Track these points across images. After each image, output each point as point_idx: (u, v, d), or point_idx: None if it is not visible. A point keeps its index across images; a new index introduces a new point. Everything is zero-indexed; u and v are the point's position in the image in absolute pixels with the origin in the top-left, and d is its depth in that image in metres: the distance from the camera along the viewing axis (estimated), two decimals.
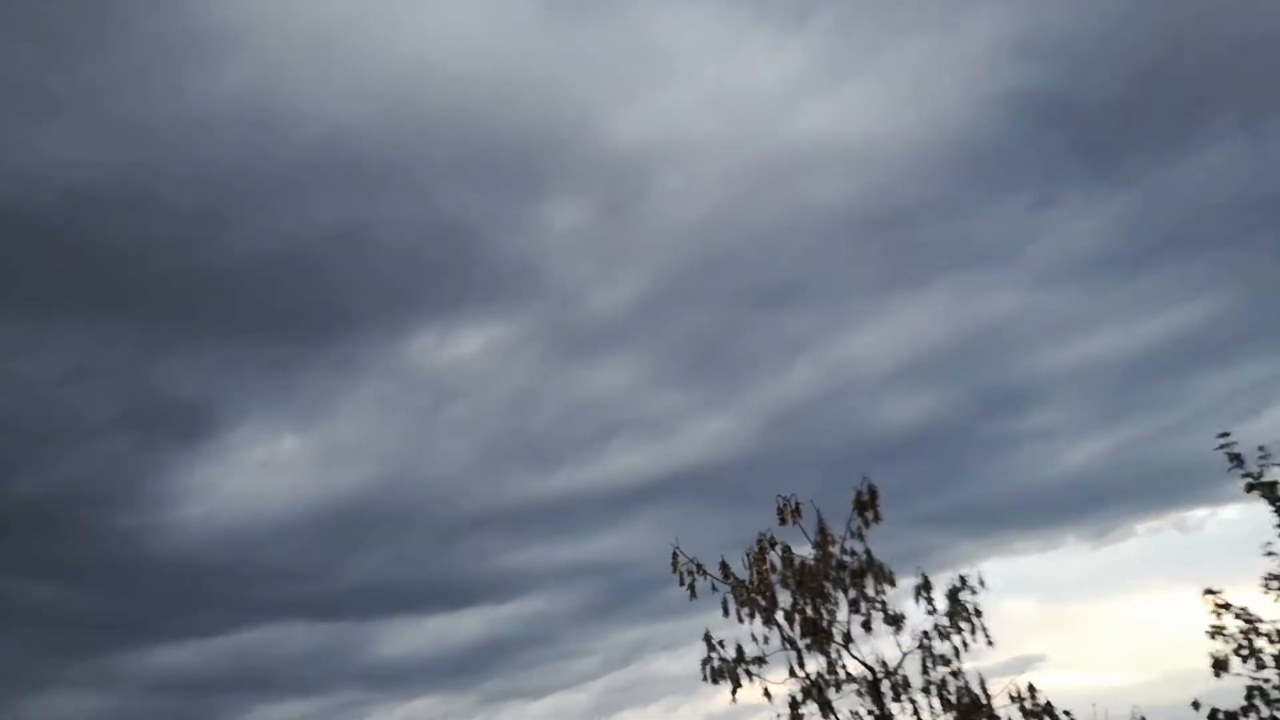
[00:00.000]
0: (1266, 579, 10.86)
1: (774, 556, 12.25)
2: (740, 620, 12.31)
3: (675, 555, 12.48)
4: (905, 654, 11.87)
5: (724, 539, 12.60)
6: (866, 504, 11.96)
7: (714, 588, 12.40)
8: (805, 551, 12.17)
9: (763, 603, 12.21)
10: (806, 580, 12.07)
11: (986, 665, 11.88)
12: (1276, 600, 10.80)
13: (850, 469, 12.19)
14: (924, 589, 11.97)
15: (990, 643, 11.82)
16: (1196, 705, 10.67)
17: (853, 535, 12.06)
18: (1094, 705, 11.56)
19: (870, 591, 11.99)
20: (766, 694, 12.15)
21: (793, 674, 12.09)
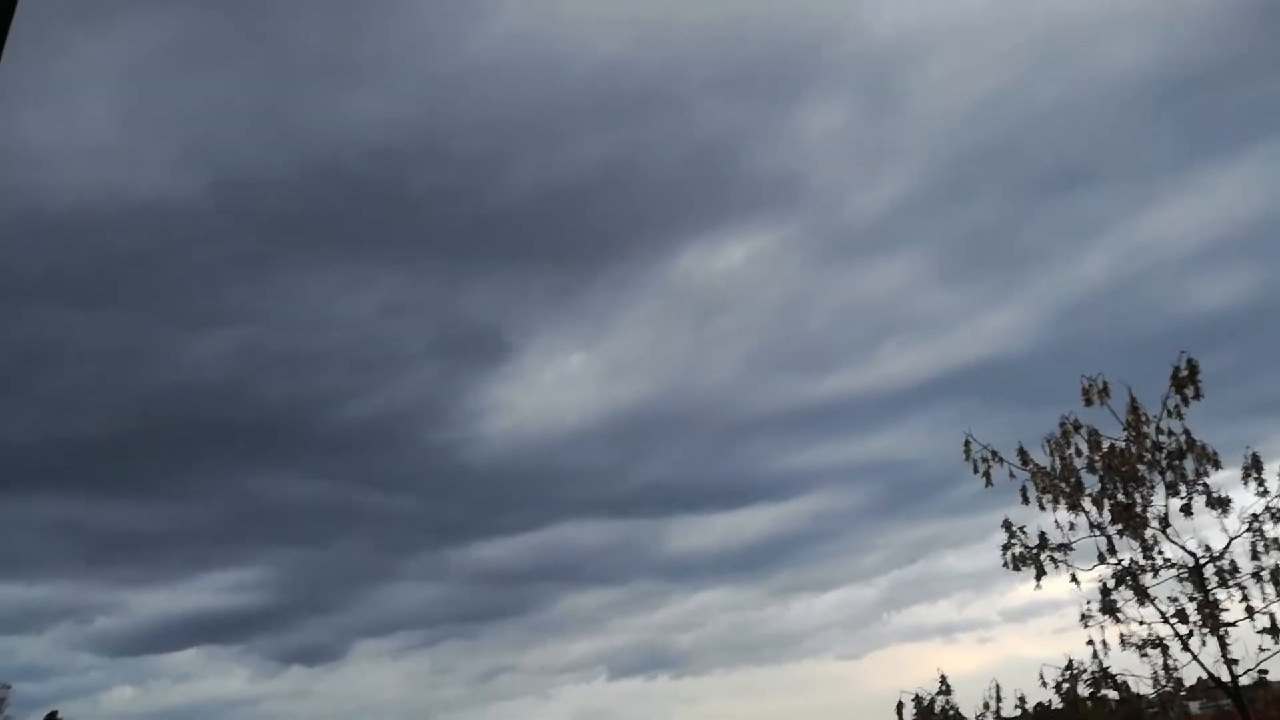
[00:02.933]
0: None
1: (1079, 440, 11.53)
2: (1041, 508, 11.74)
3: (967, 443, 11.95)
4: (1232, 538, 11.05)
5: (1010, 438, 11.94)
6: (1185, 380, 10.99)
7: (1011, 474, 11.84)
8: (1115, 435, 11.39)
9: (1067, 489, 11.57)
10: (1117, 464, 11.32)
11: None
12: None
13: (1153, 359, 11.18)
14: (1253, 470, 10.99)
15: None
16: None
17: (1169, 414, 11.17)
18: None
19: (1190, 474, 11.14)
20: (1074, 579, 11.64)
21: (1103, 560, 11.51)
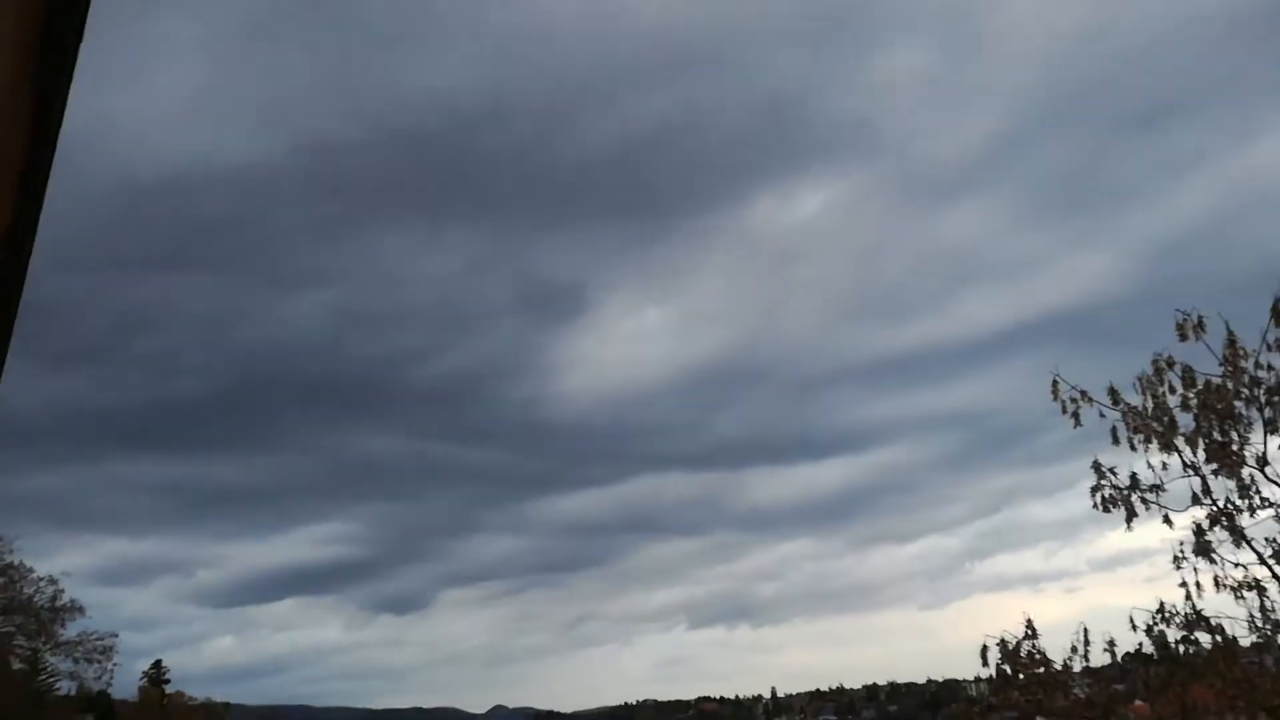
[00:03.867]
0: None
1: (1173, 378, 11.20)
2: (1133, 448, 11.45)
3: (1055, 383, 11.69)
4: None
5: (1099, 384, 11.60)
6: None
7: (1101, 415, 11.56)
8: (1211, 371, 11.03)
9: (1160, 428, 11.27)
10: (1213, 401, 10.97)
11: None
12: None
13: (1254, 297, 10.76)
14: None
15: None
16: None
17: (1270, 349, 10.77)
18: None
19: None
20: (1167, 521, 11.35)
21: (1197, 502, 11.20)
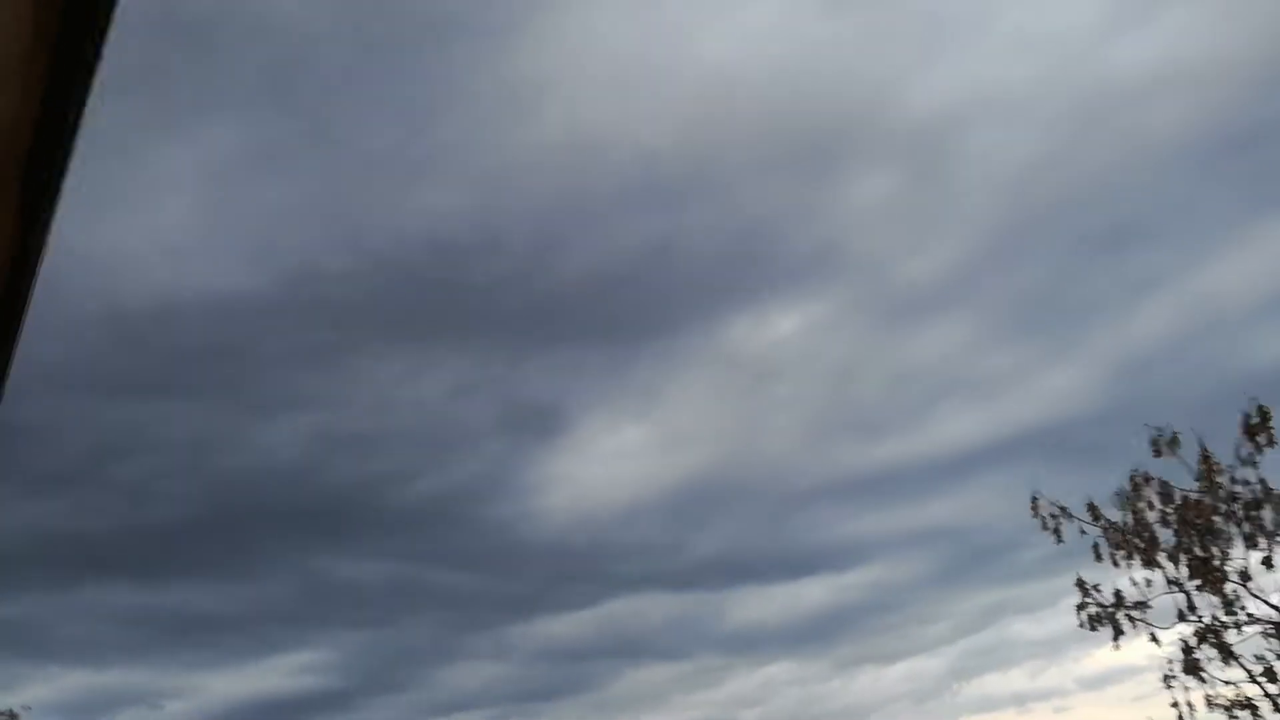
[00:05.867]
0: None
1: (1150, 494, 11.26)
2: (1115, 565, 11.43)
3: (1035, 500, 11.72)
4: None
5: (1075, 499, 11.72)
6: (1258, 427, 10.71)
7: (1082, 531, 11.56)
8: (1187, 487, 11.10)
9: (1141, 544, 11.27)
10: (1191, 516, 11.01)
11: None
12: None
13: (1220, 414, 10.95)
14: None
15: None
16: None
17: (1243, 463, 10.87)
18: None
19: (1269, 525, 10.79)
20: (1154, 639, 11.25)
21: (1183, 618, 11.13)
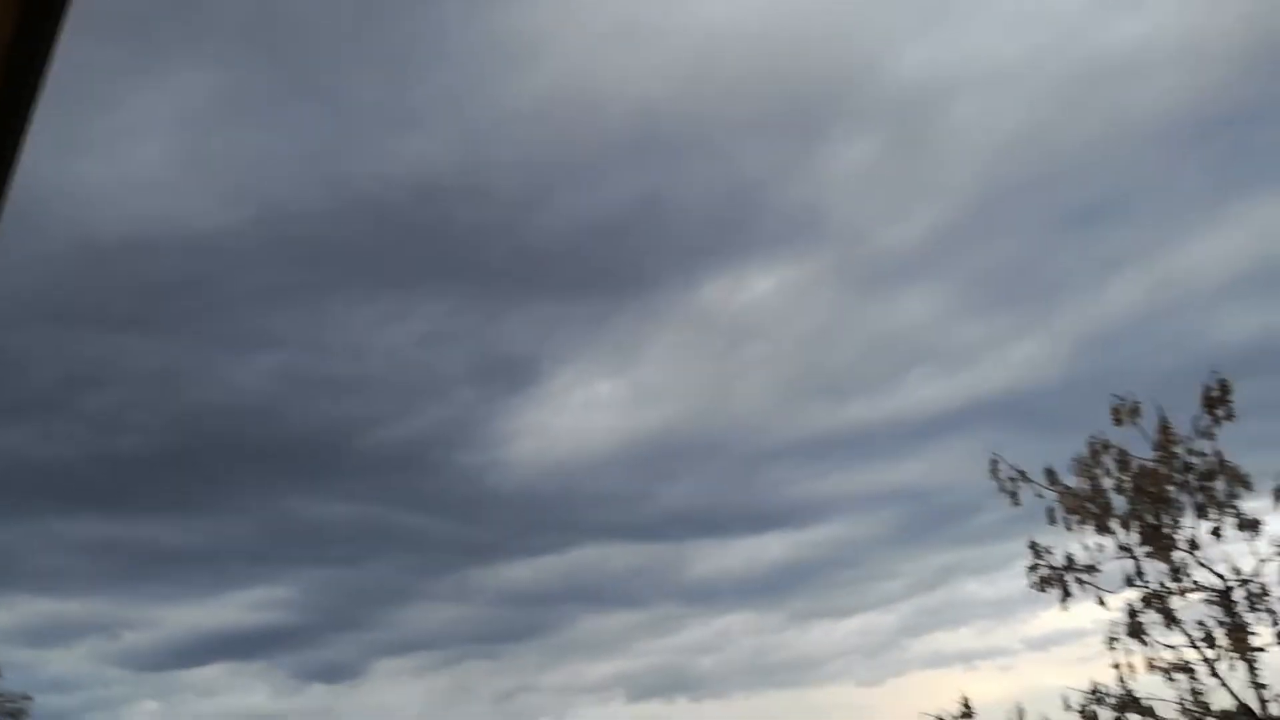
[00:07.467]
0: None
1: (1108, 461, 11.47)
2: (1069, 529, 11.66)
3: (995, 464, 11.91)
4: (1262, 561, 10.91)
5: (1035, 466, 11.91)
6: (1217, 400, 10.93)
7: (1039, 495, 11.77)
8: (1145, 456, 11.32)
9: (1095, 509, 11.50)
10: (1146, 484, 11.25)
11: None
12: None
13: (1183, 387, 11.15)
14: None
15: None
16: None
17: (1200, 435, 11.10)
18: None
19: (1221, 496, 11.04)
20: (1101, 602, 11.53)
21: (1130, 583, 11.40)
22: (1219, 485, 11.00)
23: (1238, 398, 11.05)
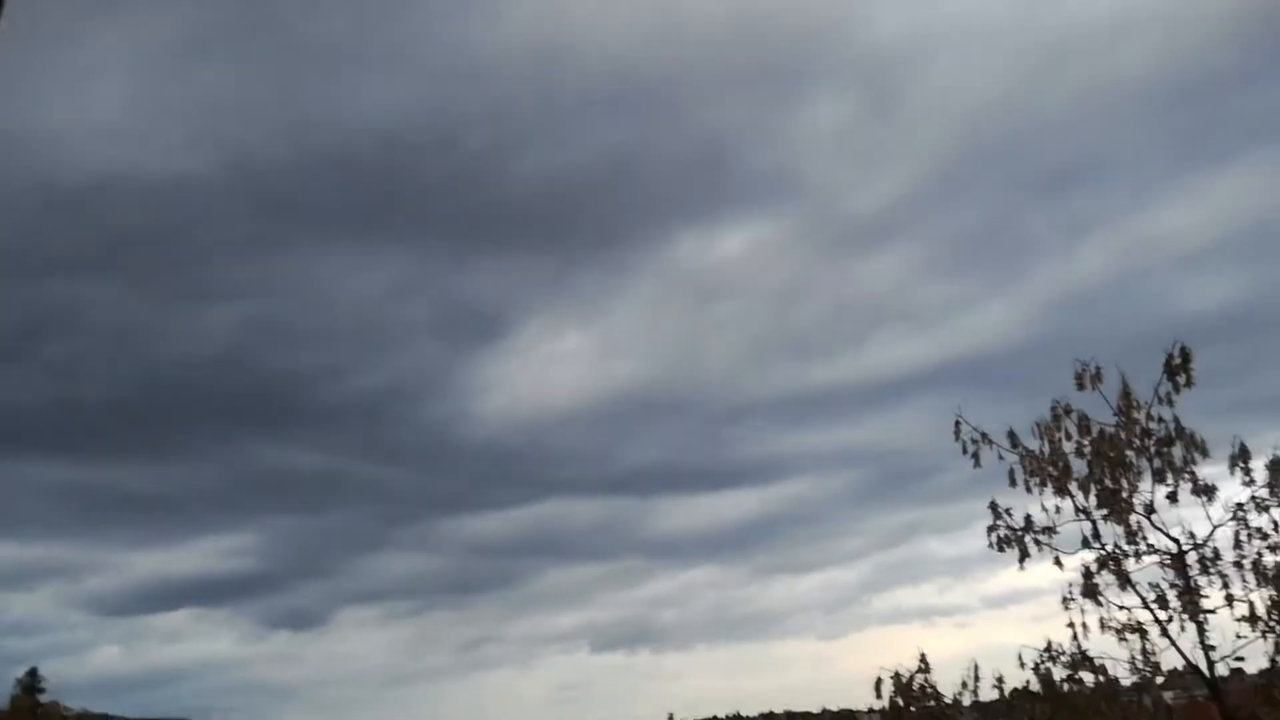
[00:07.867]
0: None
1: (1069, 424, 11.56)
2: (1029, 490, 11.77)
3: (958, 424, 11.97)
4: (1216, 527, 11.10)
5: (998, 428, 11.96)
6: (1178, 368, 11.01)
7: (1000, 457, 11.86)
8: (1106, 421, 11.41)
9: (1054, 472, 11.61)
10: (1105, 449, 11.36)
11: None
12: None
13: (1146, 355, 11.20)
14: (1241, 459, 11.03)
15: None
16: None
17: (1161, 401, 11.19)
18: None
19: (1178, 461, 11.18)
20: (1058, 562, 11.70)
21: (1087, 545, 11.56)
22: (1176, 451, 11.14)
23: (1201, 365, 11.14)
